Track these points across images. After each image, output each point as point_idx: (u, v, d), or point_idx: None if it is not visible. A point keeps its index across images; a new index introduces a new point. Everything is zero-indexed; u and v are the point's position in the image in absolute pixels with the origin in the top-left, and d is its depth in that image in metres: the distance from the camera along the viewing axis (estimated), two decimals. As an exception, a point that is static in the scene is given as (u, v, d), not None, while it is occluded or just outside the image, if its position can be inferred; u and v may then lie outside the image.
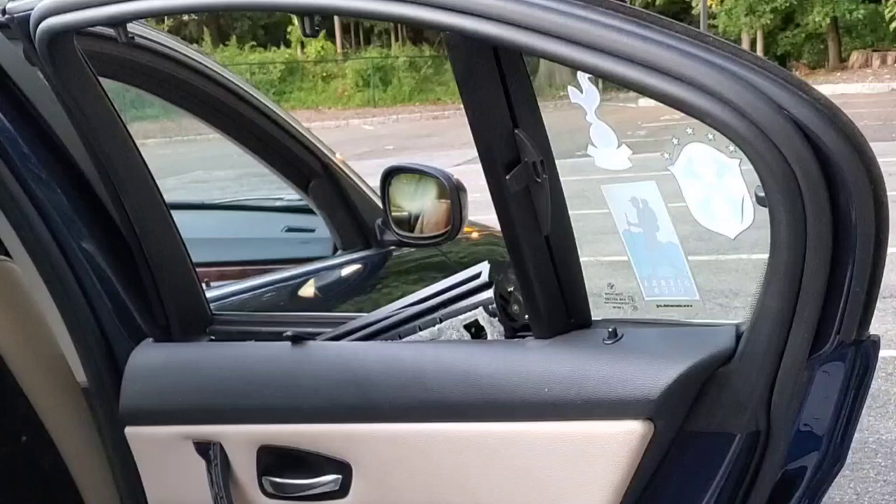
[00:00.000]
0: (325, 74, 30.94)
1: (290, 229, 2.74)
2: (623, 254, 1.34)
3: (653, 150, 1.38)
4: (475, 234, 2.91)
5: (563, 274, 1.37)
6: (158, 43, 1.80)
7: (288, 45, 32.39)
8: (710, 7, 26.29)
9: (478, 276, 1.39)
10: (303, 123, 2.42)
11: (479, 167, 1.31)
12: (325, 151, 2.40)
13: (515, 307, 1.39)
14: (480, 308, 1.38)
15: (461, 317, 1.39)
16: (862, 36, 28.21)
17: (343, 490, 1.43)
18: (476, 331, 1.38)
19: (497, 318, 1.37)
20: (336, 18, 23.30)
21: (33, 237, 1.61)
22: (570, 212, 1.38)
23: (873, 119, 14.73)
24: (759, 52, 25.54)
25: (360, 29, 35.35)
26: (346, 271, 2.38)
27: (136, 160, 1.61)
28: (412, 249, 2.41)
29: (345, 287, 2.39)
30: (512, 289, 1.39)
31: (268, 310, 2.04)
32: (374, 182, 2.07)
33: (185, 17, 28.67)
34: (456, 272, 2.58)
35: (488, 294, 1.38)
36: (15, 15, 1.46)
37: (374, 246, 2.35)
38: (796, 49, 28.77)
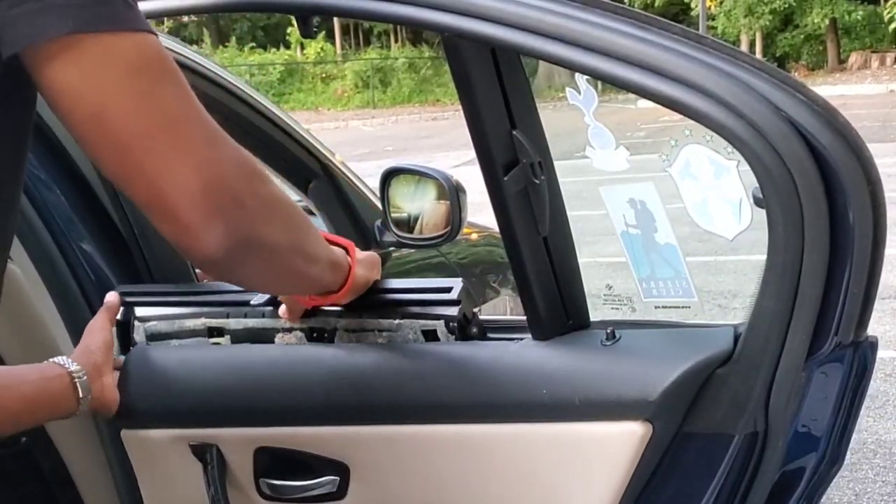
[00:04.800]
0: (324, 76, 30.96)
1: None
2: (621, 255, 1.35)
3: (651, 151, 1.38)
4: (474, 236, 2.91)
5: (562, 275, 1.38)
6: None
7: (287, 46, 32.41)
8: (709, 8, 26.30)
9: (448, 290, 1.41)
10: (302, 124, 2.42)
11: (478, 168, 1.32)
12: (325, 152, 2.39)
13: (475, 330, 1.41)
14: (442, 322, 1.39)
15: (421, 322, 1.40)
16: (861, 37, 28.24)
17: (341, 491, 1.43)
18: (432, 339, 1.40)
19: (454, 337, 1.38)
20: (335, 19, 23.30)
21: (33, 239, 1.61)
22: (568, 213, 1.38)
23: (872, 120, 14.73)
24: (758, 53, 25.58)
25: (360, 30, 35.35)
26: (344, 272, 2.37)
27: (136, 161, 1.61)
28: (411, 250, 2.41)
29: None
30: (476, 311, 1.43)
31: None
32: (374, 183, 2.07)
33: (185, 19, 28.68)
34: (455, 273, 2.59)
35: (452, 311, 1.40)
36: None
37: (374, 247, 2.35)
38: (795, 50, 28.80)
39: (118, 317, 1.51)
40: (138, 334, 1.52)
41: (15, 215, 1.04)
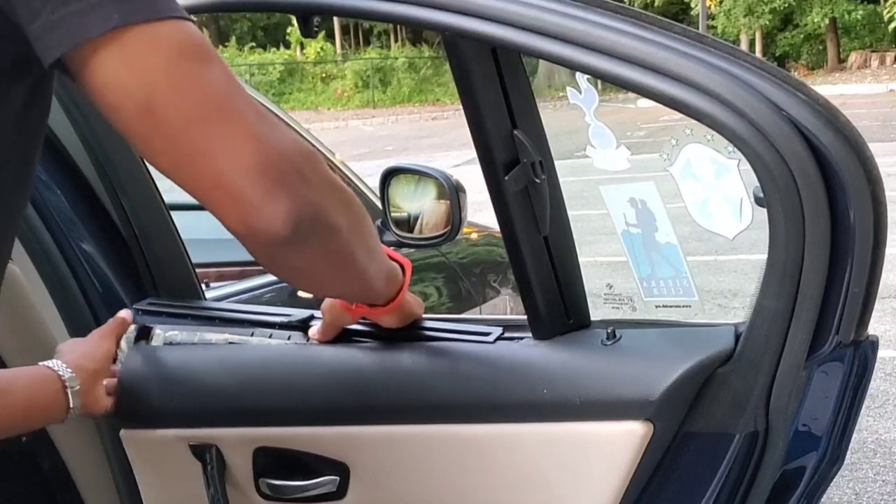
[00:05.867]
0: (324, 75, 30.97)
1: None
2: (622, 254, 1.35)
3: (651, 150, 1.38)
4: (474, 235, 2.91)
5: (562, 274, 1.37)
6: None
7: (287, 46, 32.42)
8: (709, 8, 26.31)
9: (487, 334, 1.41)
10: (302, 124, 2.42)
11: (478, 168, 1.31)
12: (325, 152, 2.40)
13: None
14: None
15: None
16: (860, 37, 28.26)
17: (340, 491, 1.43)
18: None
19: None
20: (335, 19, 23.30)
21: (33, 238, 1.61)
22: (568, 212, 1.38)
23: (872, 119, 14.74)
24: (758, 52, 25.58)
25: (360, 30, 35.36)
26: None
27: (136, 161, 1.61)
28: (412, 250, 2.41)
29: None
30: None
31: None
32: (374, 182, 2.07)
33: (185, 18, 28.55)
34: (455, 272, 2.57)
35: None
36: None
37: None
38: (795, 50, 28.82)
39: (137, 325, 1.51)
40: (157, 341, 1.52)
41: (19, 221, 1.04)
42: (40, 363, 1.28)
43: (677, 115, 1.16)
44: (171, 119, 0.87)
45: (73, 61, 0.87)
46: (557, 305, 1.37)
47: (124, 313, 1.47)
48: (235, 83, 0.92)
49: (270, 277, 2.18)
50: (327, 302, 1.39)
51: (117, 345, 1.44)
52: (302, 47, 31.75)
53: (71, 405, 1.25)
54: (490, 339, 1.38)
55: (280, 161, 0.90)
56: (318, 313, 1.46)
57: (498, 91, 1.29)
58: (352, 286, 1.21)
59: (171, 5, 0.89)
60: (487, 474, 1.36)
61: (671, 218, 1.30)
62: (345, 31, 34.33)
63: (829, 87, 20.96)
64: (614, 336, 1.32)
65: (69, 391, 1.25)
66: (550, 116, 1.61)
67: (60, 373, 1.25)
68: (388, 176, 1.72)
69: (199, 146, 0.88)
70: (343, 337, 1.44)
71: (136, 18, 0.86)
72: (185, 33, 0.89)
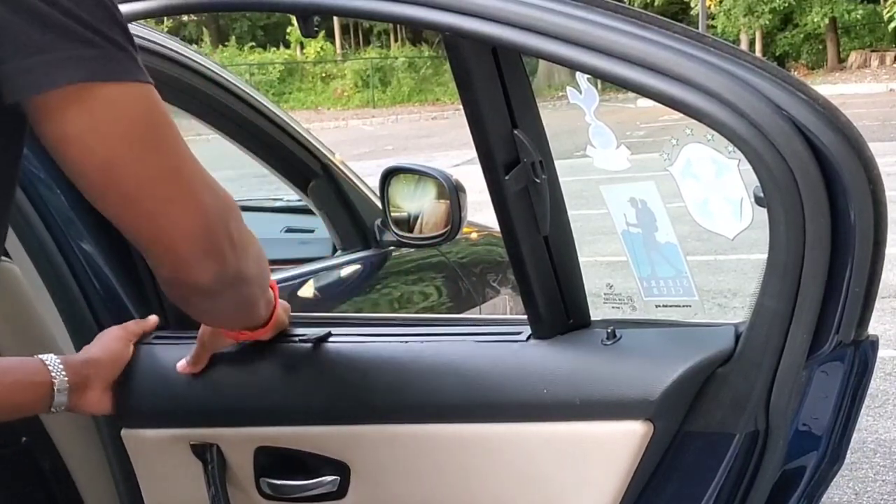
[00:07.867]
0: (324, 75, 30.96)
1: (289, 230, 2.74)
2: (622, 254, 1.35)
3: (652, 150, 1.38)
4: (474, 235, 2.91)
5: (562, 274, 1.37)
6: (157, 44, 1.80)
7: (287, 45, 32.41)
8: (709, 7, 26.31)
9: (518, 333, 1.39)
10: (302, 124, 2.42)
11: (478, 167, 1.32)
12: (325, 152, 2.39)
13: None
14: None
15: None
16: (860, 36, 28.27)
17: (341, 491, 1.43)
18: None
19: None
20: (335, 19, 23.30)
21: (32, 238, 1.61)
22: (569, 212, 1.38)
23: (872, 119, 14.74)
24: (758, 52, 25.57)
25: (360, 29, 35.35)
26: (345, 272, 2.38)
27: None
28: (411, 250, 2.41)
29: (344, 287, 2.39)
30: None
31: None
32: (374, 182, 2.08)
33: (185, 18, 28.67)
34: (455, 272, 2.58)
35: None
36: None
37: (374, 246, 2.35)
38: (795, 49, 28.82)
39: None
40: None
41: (4, 231, 1.06)
42: (38, 356, 1.31)
43: (677, 115, 1.16)
44: (127, 183, 0.94)
45: (31, 106, 0.90)
46: (557, 305, 1.37)
47: (152, 320, 1.49)
48: (185, 150, 0.98)
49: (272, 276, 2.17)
50: (207, 329, 1.41)
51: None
52: (302, 47, 31.74)
53: (53, 405, 1.29)
54: (522, 337, 1.38)
55: (218, 228, 1.01)
56: (335, 331, 1.46)
57: (498, 91, 1.29)
58: (243, 321, 1.32)
59: (138, 69, 0.94)
60: (487, 474, 1.37)
61: (671, 217, 1.30)
62: (345, 30, 34.32)
63: (828, 87, 20.95)
64: (614, 336, 1.32)
65: (56, 391, 1.29)
66: (550, 116, 1.61)
67: (53, 374, 1.29)
68: (388, 176, 1.72)
69: (149, 207, 0.96)
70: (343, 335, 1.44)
71: (102, 77, 0.90)
72: (148, 100, 0.94)
